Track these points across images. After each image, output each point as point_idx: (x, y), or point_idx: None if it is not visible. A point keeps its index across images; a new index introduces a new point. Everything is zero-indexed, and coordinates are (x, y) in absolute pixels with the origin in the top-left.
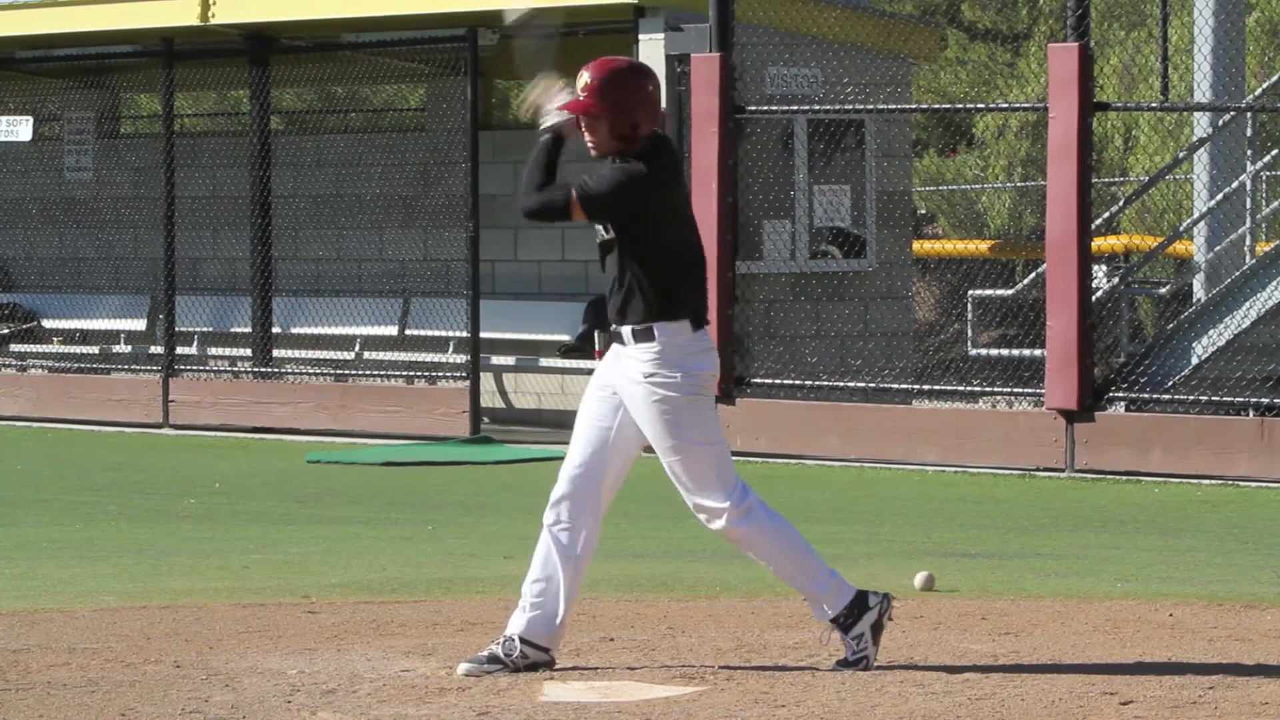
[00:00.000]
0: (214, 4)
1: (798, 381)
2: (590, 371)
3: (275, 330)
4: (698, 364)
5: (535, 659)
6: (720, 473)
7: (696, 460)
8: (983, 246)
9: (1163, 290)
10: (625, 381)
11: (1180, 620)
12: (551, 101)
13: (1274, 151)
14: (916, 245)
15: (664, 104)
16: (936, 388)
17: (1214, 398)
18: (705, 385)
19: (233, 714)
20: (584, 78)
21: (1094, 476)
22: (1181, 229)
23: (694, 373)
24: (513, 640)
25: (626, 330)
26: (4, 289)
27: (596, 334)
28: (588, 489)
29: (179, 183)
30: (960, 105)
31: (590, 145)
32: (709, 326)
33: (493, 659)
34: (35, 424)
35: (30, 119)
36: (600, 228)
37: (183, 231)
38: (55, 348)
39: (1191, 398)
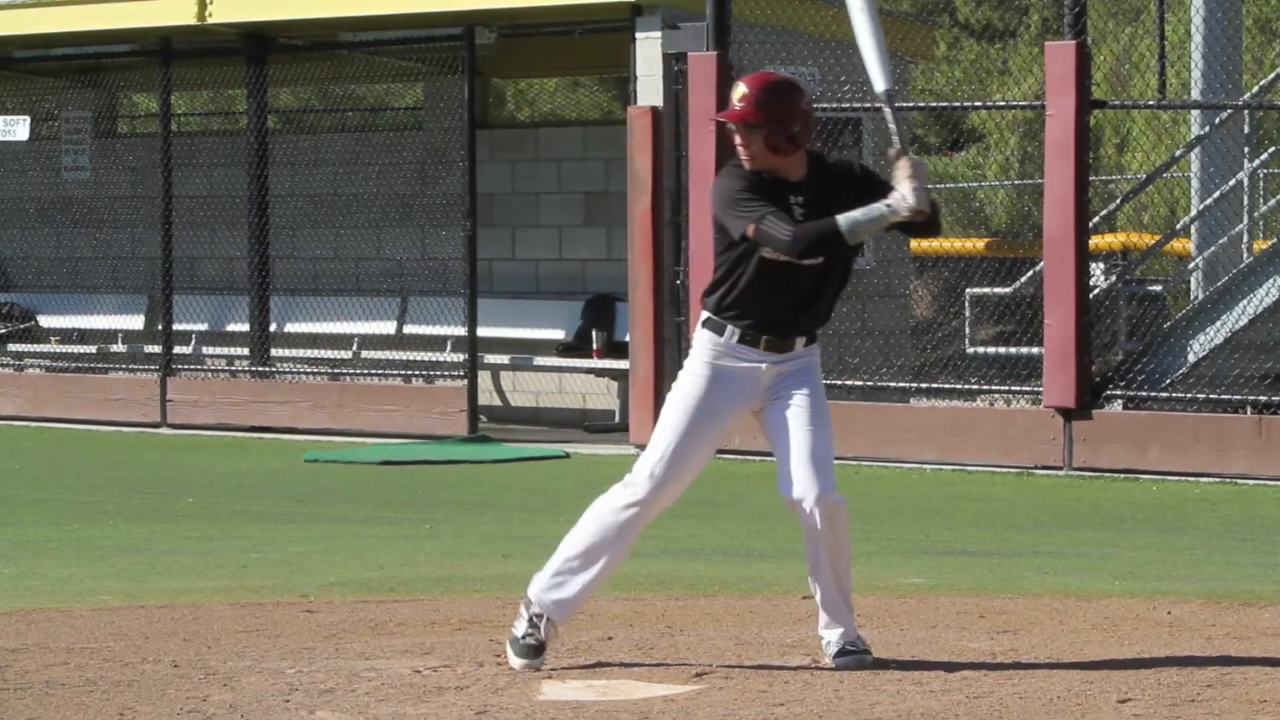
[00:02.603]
0: (211, 3)
1: None
2: (588, 371)
3: (273, 329)
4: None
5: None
6: (662, 455)
7: (656, 431)
8: (979, 244)
9: (1157, 288)
10: (798, 371)
11: (1178, 618)
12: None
13: (1271, 149)
14: (914, 243)
15: (663, 102)
16: (934, 386)
17: (1212, 395)
18: (726, 382)
19: (231, 713)
20: (740, 89)
21: (1092, 474)
22: (1179, 227)
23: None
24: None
25: (802, 340)
26: (1, 288)
27: (594, 333)
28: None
29: (176, 182)
30: (958, 104)
31: (744, 157)
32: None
33: (540, 646)
34: (33, 423)
35: (27, 118)
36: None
37: (180, 230)
38: (53, 347)
39: (1189, 395)
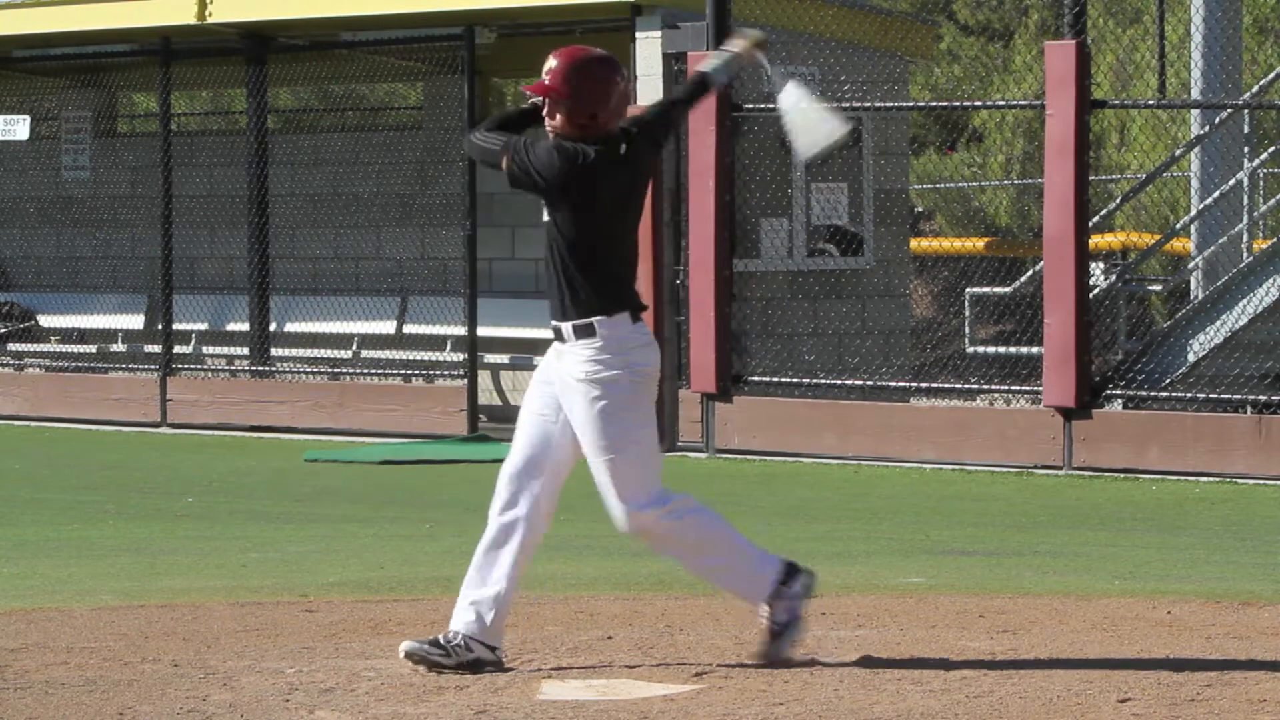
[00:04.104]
0: (211, 3)
1: (795, 379)
2: None
3: (273, 329)
4: (640, 359)
5: (481, 656)
6: (649, 472)
7: (629, 461)
8: (979, 244)
9: (1156, 287)
10: (566, 379)
11: (1178, 618)
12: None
13: (1271, 149)
14: (914, 243)
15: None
16: (934, 385)
17: (1211, 395)
18: (648, 381)
19: (231, 712)
20: (550, 62)
21: (1091, 474)
22: (1179, 226)
23: (637, 368)
24: (458, 635)
25: (567, 327)
26: (1, 288)
27: None
28: (534, 485)
29: (176, 181)
30: (958, 103)
31: (549, 128)
32: (645, 318)
33: (437, 648)
34: (33, 423)
35: (27, 118)
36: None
37: (180, 230)
38: (52, 346)
39: (1189, 395)
